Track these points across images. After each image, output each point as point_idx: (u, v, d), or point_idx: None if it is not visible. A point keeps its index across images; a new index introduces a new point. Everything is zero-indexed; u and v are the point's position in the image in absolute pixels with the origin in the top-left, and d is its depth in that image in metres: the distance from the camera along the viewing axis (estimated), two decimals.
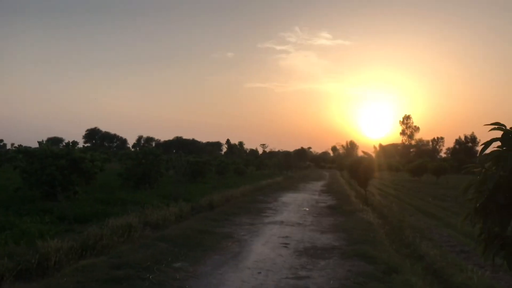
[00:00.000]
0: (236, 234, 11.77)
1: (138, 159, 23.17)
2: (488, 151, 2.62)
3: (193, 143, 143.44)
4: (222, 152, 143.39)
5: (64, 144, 18.10)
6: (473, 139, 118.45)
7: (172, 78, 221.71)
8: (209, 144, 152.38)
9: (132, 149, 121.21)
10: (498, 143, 2.48)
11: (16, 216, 12.18)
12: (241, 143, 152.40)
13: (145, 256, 8.16)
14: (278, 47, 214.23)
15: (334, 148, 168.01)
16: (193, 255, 8.91)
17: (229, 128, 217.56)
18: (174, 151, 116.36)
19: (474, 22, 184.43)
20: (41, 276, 7.45)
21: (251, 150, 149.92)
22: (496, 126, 2.54)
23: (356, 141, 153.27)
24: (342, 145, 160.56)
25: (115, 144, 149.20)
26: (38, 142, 18.60)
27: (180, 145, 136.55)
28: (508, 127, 2.48)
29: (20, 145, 21.05)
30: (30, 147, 20.42)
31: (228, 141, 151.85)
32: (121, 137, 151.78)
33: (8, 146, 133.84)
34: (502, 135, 2.45)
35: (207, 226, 12.46)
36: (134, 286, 6.63)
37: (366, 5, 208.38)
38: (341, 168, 62.87)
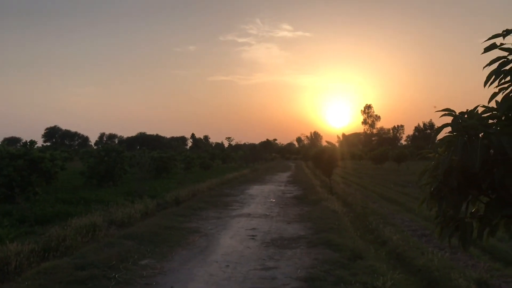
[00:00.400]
0: (203, 228, 11.73)
1: (101, 157, 22.62)
2: (440, 136, 2.73)
3: (157, 139, 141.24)
4: (188, 147, 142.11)
5: (22, 144, 17.41)
6: (431, 126, 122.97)
7: (135, 73, 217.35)
8: (173, 139, 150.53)
9: (95, 147, 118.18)
10: (449, 129, 2.58)
11: None
12: (206, 137, 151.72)
13: (110, 255, 8.01)
14: (240, 40, 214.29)
15: (299, 139, 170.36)
16: (160, 252, 8.83)
17: (194, 123, 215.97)
18: (138, 147, 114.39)
19: (431, 15, 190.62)
20: (2, 281, 7.19)
21: (217, 143, 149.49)
22: (446, 112, 2.64)
23: (320, 132, 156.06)
24: (307, 136, 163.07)
25: (76, 142, 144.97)
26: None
27: (144, 141, 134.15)
28: (457, 113, 2.59)
29: None
30: None
31: (193, 136, 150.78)
32: (83, 135, 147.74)
33: None
34: (452, 120, 2.55)
35: (174, 221, 12.35)
36: (99, 286, 6.50)
37: None
38: (306, 158, 63.72)
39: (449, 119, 2.58)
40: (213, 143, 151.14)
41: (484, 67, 2.56)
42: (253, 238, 10.45)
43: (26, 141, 17.20)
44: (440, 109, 2.65)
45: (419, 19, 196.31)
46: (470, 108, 2.60)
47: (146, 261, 8.08)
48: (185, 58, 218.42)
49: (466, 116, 2.56)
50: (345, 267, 7.55)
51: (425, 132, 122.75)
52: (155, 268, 7.63)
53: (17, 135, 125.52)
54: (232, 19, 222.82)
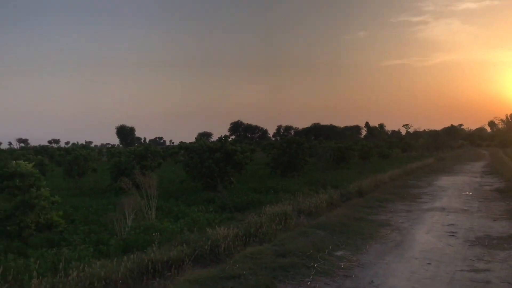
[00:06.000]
0: (393, 221, 11.20)
1: (283, 148, 23.78)
2: None
3: (331, 129, 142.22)
4: (362, 136, 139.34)
5: (217, 138, 19.47)
6: None
7: (305, 64, 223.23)
8: (347, 128, 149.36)
9: (273, 139, 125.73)
10: None
11: (185, 205, 13.52)
12: (381, 125, 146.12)
13: (306, 244, 8.23)
14: (414, 19, 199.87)
15: (491, 123, 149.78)
16: (353, 244, 8.71)
17: (367, 111, 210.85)
18: (312, 137, 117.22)
19: None
20: (214, 262, 8.06)
21: (393, 131, 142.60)
22: None
23: None
24: (502, 119, 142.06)
25: (256, 135, 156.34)
26: (196, 138, 20.35)
27: (318, 131, 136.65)
28: None
29: (182, 142, 23.33)
30: (184, 142, 22.46)
31: (367, 124, 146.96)
32: (262, 128, 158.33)
33: (167, 143, 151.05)
34: None
35: (361, 213, 12.13)
36: (300, 274, 6.72)
37: None
38: (504, 145, 55.63)
39: None
40: (389, 131, 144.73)
41: None
42: (453, 235, 9.49)
43: (221, 135, 19.10)
44: None
45: None
46: None
47: (341, 252, 8.07)
48: (355, 45, 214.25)
49: None
50: None
51: None
52: (351, 260, 7.55)
53: (208, 130, 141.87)
54: None
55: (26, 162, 11.24)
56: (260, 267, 6.79)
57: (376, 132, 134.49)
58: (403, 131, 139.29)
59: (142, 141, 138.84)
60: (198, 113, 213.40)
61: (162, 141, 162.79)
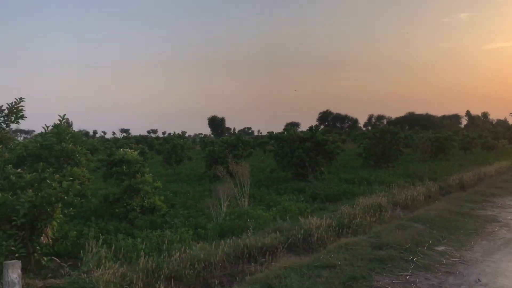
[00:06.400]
0: (502, 217, 10.28)
1: (376, 138, 22.98)
2: None
3: (426, 118, 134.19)
4: (462, 126, 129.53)
5: (308, 128, 19.36)
6: None
7: (399, 51, 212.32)
8: (445, 117, 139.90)
9: (364, 128, 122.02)
10: None
11: (276, 194, 13.71)
12: (485, 114, 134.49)
13: (404, 238, 7.88)
14: None
15: None
16: (456, 239, 8.15)
17: (468, 99, 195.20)
18: (406, 127, 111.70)
19: None
20: (307, 250, 8.07)
21: (499, 120, 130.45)
22: None
23: None
24: None
25: (346, 124, 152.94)
26: (284, 128, 20.48)
27: (413, 121, 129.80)
28: None
29: (270, 132, 23.59)
30: (273, 132, 22.58)
31: (468, 113, 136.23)
32: (352, 117, 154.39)
33: (255, 133, 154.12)
34: None
35: (464, 208, 11.30)
36: (398, 268, 6.46)
37: None
38: None
39: None
40: (493, 120, 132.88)
41: None
42: None
43: (312, 125, 18.96)
44: None
45: None
46: None
47: (442, 247, 7.60)
48: (455, 28, 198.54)
49: None
50: None
51: None
52: (454, 257, 7.07)
53: (296, 120, 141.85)
54: None
55: (132, 150, 12.19)
56: (355, 258, 6.64)
57: (479, 121, 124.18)
58: (511, 120, 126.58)
59: (231, 131, 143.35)
60: (285, 104, 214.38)
61: (250, 131, 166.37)
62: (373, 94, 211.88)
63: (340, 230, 9.04)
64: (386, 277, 6.09)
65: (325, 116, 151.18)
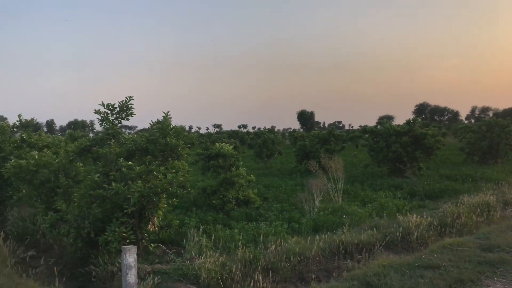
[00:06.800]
0: None
1: (482, 132, 21.15)
2: None
3: None
4: None
5: (405, 121, 18.45)
6: None
7: (501, 33, 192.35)
8: None
9: (466, 121, 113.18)
10: None
11: (371, 190, 13.29)
12: None
13: None
14: None
15: None
16: None
17: None
18: None
19: None
20: (406, 249, 7.72)
21: None
22: None
23: None
24: None
25: (446, 117, 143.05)
26: (378, 122, 19.71)
27: None
28: None
29: (364, 125, 22.91)
30: (367, 126, 21.86)
31: None
32: (452, 110, 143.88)
33: (346, 127, 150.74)
34: None
35: None
36: (511, 272, 5.88)
37: None
38: None
39: None
40: None
41: None
42: None
43: (409, 118, 18.02)
44: None
45: None
46: None
47: None
48: None
49: None
50: None
51: None
52: None
53: (389, 113, 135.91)
54: None
55: (228, 145, 12.64)
56: (462, 259, 6.18)
57: None
58: None
59: (321, 125, 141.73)
60: (379, 96, 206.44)
61: (341, 125, 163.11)
62: (475, 84, 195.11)
63: (443, 229, 8.54)
64: (498, 281, 5.58)
65: (422, 109, 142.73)
